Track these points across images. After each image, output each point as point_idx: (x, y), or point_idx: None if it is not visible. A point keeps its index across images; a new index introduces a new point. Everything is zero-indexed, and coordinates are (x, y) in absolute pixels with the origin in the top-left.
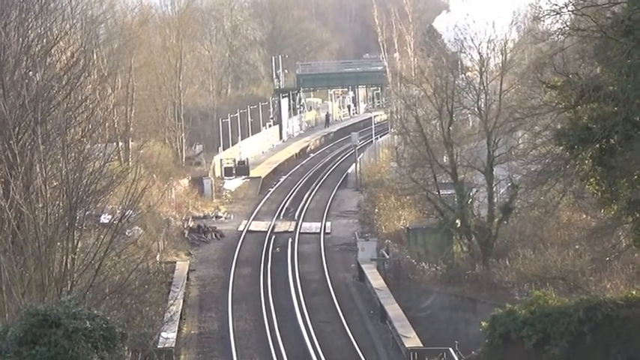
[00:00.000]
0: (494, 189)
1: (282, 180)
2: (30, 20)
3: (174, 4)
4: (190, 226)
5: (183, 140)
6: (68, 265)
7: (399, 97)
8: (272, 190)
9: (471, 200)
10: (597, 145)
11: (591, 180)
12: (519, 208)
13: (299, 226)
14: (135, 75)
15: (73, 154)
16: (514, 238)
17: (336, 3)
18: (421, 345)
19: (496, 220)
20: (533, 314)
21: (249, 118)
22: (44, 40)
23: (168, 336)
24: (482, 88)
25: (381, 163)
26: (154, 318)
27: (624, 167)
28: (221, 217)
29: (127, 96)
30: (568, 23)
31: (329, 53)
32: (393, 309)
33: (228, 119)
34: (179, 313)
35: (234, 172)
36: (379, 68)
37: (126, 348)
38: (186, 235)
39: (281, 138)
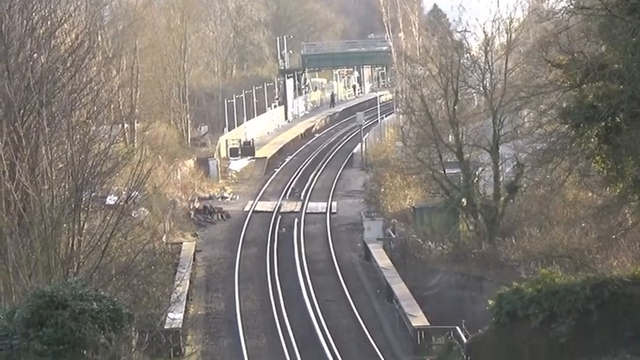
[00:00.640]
0: (500, 168)
1: (287, 160)
2: (34, 2)
3: None
4: (196, 207)
5: (189, 121)
6: (74, 247)
7: (404, 76)
8: (278, 170)
9: (476, 179)
10: (603, 124)
11: (597, 158)
12: (525, 186)
13: (305, 206)
14: (139, 56)
15: (78, 136)
16: (520, 217)
17: None
18: (428, 324)
19: (502, 198)
20: (539, 292)
21: (255, 99)
22: (48, 22)
23: (175, 317)
24: (487, 67)
25: (387, 142)
26: (161, 299)
27: (630, 145)
28: (227, 197)
29: (132, 77)
30: (573, 1)
31: (334, 33)
32: (400, 288)
33: (234, 100)
34: (186, 293)
35: (239, 152)
36: (384, 48)
37: (133, 329)
38: (192, 216)
39: (286, 118)
